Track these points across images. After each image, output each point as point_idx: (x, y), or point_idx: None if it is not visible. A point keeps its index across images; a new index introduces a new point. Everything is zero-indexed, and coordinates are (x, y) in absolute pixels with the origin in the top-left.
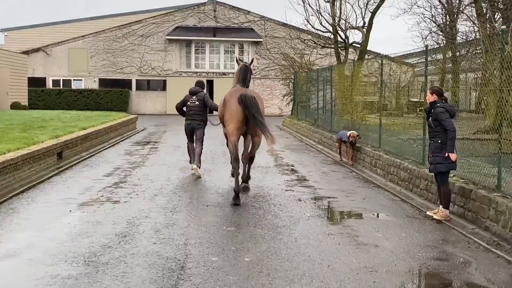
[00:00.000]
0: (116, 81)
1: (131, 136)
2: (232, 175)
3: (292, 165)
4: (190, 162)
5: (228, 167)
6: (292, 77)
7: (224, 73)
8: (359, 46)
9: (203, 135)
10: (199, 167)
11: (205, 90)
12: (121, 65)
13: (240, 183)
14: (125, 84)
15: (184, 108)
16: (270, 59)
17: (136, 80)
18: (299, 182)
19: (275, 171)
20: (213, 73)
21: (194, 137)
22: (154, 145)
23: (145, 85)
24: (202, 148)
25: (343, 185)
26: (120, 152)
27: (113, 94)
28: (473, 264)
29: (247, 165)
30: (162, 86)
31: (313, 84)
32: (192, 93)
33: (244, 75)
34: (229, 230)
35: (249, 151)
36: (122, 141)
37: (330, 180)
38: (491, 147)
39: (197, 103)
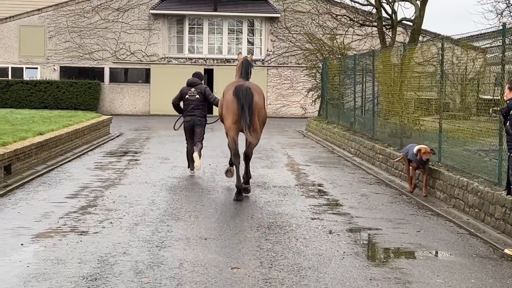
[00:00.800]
0: (84, 70)
1: (103, 144)
2: (226, 174)
3: (320, 185)
4: (189, 167)
5: (232, 185)
6: (320, 65)
7: (227, 60)
8: (410, 24)
9: (204, 133)
10: (200, 157)
11: (203, 81)
12: (90, 48)
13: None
14: (96, 74)
15: (181, 104)
16: (290, 41)
17: (110, 69)
18: (330, 207)
19: (297, 193)
20: (213, 60)
21: (194, 136)
22: (133, 156)
23: (122, 76)
24: (202, 146)
25: (390, 213)
26: (88, 165)
27: (79, 87)
28: None
29: (246, 164)
30: (144, 77)
31: (348, 76)
32: (190, 84)
33: (247, 69)
34: (236, 273)
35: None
36: (91, 150)
37: (371, 206)
38: None
39: (197, 96)
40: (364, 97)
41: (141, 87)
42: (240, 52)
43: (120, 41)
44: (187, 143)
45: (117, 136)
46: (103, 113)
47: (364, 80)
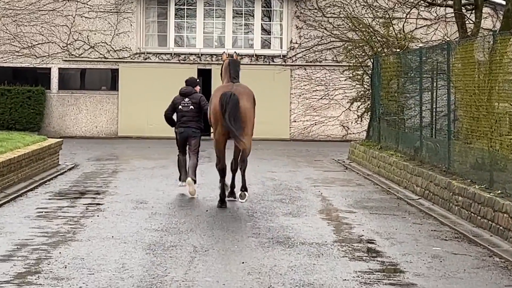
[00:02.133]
0: (21, 71)
1: (49, 180)
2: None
3: (371, 241)
4: (180, 179)
5: (237, 248)
6: (369, 64)
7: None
8: (503, 3)
9: (199, 145)
10: (195, 182)
11: (198, 89)
12: (31, 40)
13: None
14: (39, 77)
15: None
16: (325, 29)
17: (60, 70)
18: (386, 275)
19: (337, 253)
20: (211, 56)
21: (188, 148)
22: (94, 199)
23: (78, 80)
24: (197, 161)
25: (476, 284)
26: (28, 212)
27: (14, 97)
28: None
29: (242, 176)
30: (110, 81)
31: (411, 79)
32: (183, 94)
33: (236, 69)
34: None
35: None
36: (31, 190)
37: (448, 273)
38: None
39: (191, 107)
40: (435, 110)
41: (106, 97)
42: (224, 51)
43: (74, 29)
44: (179, 153)
45: (70, 169)
46: (49, 134)
47: (435, 85)
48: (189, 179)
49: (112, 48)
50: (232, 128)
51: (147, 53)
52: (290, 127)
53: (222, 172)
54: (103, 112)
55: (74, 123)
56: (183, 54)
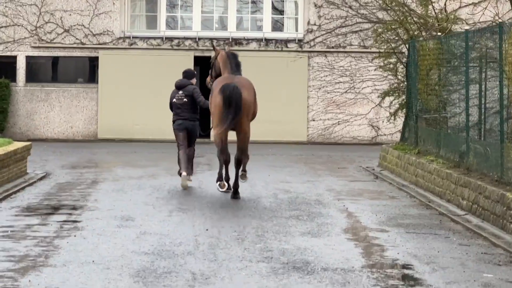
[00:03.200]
0: None
1: (15, 192)
2: (220, 186)
3: (408, 266)
4: (180, 173)
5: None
6: (404, 50)
7: (238, 42)
8: None
9: (197, 137)
10: (191, 174)
11: (195, 81)
12: None
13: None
14: (1, 67)
15: None
16: (350, 8)
17: (28, 58)
18: None
19: (367, 280)
20: (211, 40)
21: (186, 141)
22: (70, 215)
23: (49, 71)
24: (194, 151)
25: None
26: None
27: None
28: None
29: (240, 169)
30: (88, 72)
31: (455, 69)
32: (178, 86)
33: (237, 61)
34: None
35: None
36: None
37: None
38: None
39: (185, 100)
40: (484, 107)
41: (83, 91)
42: (213, 41)
43: (45, 9)
44: (178, 147)
45: (41, 179)
46: (14, 136)
47: (483, 76)
48: (183, 174)
49: (91, 31)
50: (231, 121)
51: (133, 37)
52: (307, 128)
53: (225, 164)
54: (79, 109)
55: (45, 123)
56: (177, 39)
